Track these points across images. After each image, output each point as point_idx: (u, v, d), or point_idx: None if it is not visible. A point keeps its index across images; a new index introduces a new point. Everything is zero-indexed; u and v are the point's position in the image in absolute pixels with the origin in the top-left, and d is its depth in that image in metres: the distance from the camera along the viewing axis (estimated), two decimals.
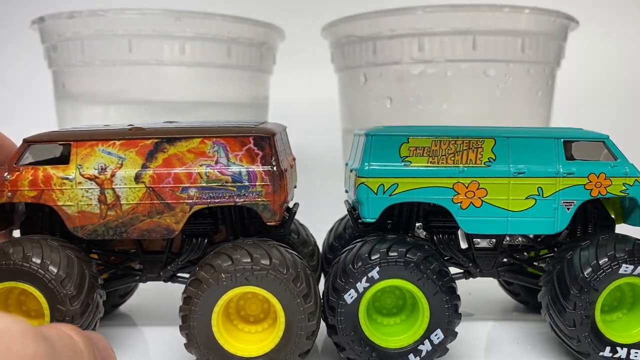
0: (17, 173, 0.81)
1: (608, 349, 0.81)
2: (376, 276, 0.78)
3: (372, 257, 0.78)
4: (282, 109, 1.53)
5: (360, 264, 0.78)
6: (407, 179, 0.81)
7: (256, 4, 1.70)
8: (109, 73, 1.31)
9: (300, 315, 0.77)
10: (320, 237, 1.08)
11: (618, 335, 0.82)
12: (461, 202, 0.81)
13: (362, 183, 0.81)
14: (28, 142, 0.83)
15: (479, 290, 1.11)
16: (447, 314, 0.79)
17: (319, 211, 1.20)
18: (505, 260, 0.91)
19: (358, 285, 0.78)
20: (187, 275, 0.89)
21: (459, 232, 0.90)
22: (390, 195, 0.81)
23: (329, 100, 1.54)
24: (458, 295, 0.80)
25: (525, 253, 0.94)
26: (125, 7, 1.27)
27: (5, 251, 0.78)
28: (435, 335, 0.79)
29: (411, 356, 0.80)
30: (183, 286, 0.80)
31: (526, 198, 0.81)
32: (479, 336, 0.95)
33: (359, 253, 0.79)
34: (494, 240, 0.90)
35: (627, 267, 0.79)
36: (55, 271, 0.78)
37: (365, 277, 0.78)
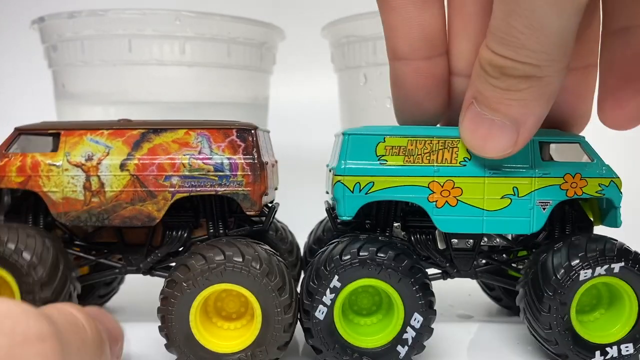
0: (6, 159, 0.84)
1: (597, 353, 0.80)
2: (338, 284, 0.78)
3: (329, 267, 0.78)
4: (282, 109, 1.54)
5: (319, 278, 0.79)
6: (383, 178, 0.81)
7: (256, 4, 1.70)
8: (109, 73, 1.32)
9: (276, 309, 0.78)
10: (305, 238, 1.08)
11: (603, 335, 0.81)
12: (437, 201, 0.81)
13: (339, 181, 0.81)
14: (20, 131, 0.86)
15: (479, 291, 1.10)
16: (418, 295, 0.78)
17: (319, 210, 1.20)
18: (483, 261, 0.91)
19: (324, 299, 0.79)
20: (166, 272, 0.90)
21: (437, 232, 0.89)
22: (366, 194, 0.81)
23: (329, 100, 1.54)
24: (424, 273, 0.80)
25: (504, 255, 0.93)
26: (125, 7, 1.28)
27: None
28: (414, 319, 0.79)
29: (399, 347, 0.79)
30: (161, 282, 0.81)
31: (501, 197, 0.81)
32: (479, 336, 0.95)
33: (317, 267, 0.80)
34: (472, 240, 0.89)
35: (585, 273, 0.79)
36: (29, 258, 0.79)
37: (328, 289, 0.78)
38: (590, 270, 0.79)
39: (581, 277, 0.79)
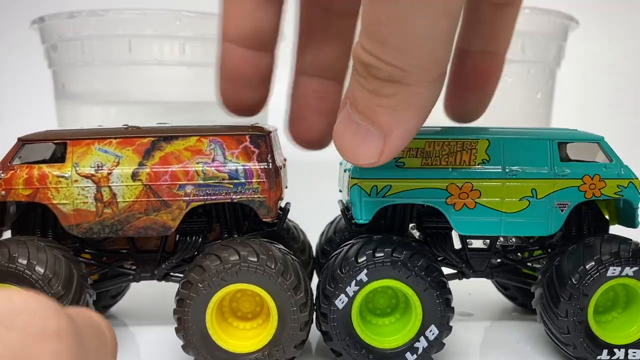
0: (12, 172, 0.82)
1: (605, 351, 0.81)
2: (365, 279, 0.78)
3: (359, 260, 0.78)
4: (282, 109, 1.53)
5: (348, 268, 0.78)
6: (400, 181, 0.80)
7: None
8: (109, 73, 1.31)
9: (292, 307, 0.78)
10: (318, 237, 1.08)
11: (615, 336, 0.82)
12: (455, 204, 0.81)
13: (356, 184, 0.81)
14: (23, 141, 0.84)
15: (479, 290, 1.11)
16: (439, 308, 0.79)
17: (320, 210, 1.20)
18: (499, 261, 0.91)
19: (348, 289, 0.78)
20: (180, 275, 0.89)
21: (452, 232, 0.89)
22: (383, 197, 0.81)
23: None
24: (449, 289, 0.80)
25: (519, 254, 0.93)
26: (125, 7, 1.27)
27: None
28: (430, 331, 0.79)
29: (408, 354, 0.80)
30: (172, 285, 0.80)
31: (520, 199, 0.81)
32: (479, 336, 0.95)
33: (346, 257, 0.80)
34: (488, 241, 0.89)
35: (614, 270, 0.79)
36: (42, 271, 0.78)
37: (354, 281, 0.78)
38: (619, 268, 0.79)
39: (609, 273, 0.79)
